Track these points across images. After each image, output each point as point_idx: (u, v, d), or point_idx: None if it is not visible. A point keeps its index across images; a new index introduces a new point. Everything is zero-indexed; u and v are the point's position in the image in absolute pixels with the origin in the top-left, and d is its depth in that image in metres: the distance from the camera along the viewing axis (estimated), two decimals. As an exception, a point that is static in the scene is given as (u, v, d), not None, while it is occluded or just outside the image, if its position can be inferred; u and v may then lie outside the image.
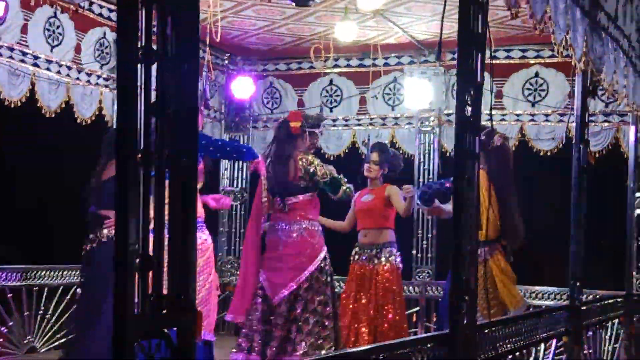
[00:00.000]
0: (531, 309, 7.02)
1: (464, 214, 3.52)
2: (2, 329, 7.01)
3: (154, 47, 2.07)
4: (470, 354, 3.49)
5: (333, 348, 5.90)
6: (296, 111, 6.77)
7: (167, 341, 2.03)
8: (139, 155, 1.98)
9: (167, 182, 2.10)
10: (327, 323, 5.99)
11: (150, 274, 2.01)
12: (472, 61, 3.60)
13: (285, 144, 6.18)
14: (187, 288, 2.07)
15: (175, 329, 2.06)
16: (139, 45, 2.01)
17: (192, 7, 2.16)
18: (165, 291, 2.07)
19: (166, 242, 2.08)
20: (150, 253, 2.02)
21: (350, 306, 7.10)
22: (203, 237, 5.41)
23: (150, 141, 2.02)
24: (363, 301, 7.07)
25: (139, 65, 2.00)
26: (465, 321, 3.48)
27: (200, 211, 5.42)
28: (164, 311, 2.02)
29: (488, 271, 5.71)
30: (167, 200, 2.06)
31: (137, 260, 1.96)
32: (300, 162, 6.08)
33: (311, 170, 6.06)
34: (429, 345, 3.31)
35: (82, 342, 6.26)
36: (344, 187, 6.13)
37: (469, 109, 3.61)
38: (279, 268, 6.06)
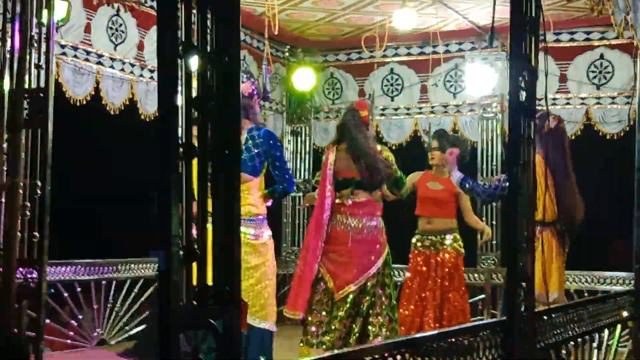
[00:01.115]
0: (599, 294, 6.89)
1: (519, 199, 3.48)
2: (72, 322, 7.17)
3: (195, 41, 2.09)
4: (528, 340, 3.46)
5: None
6: (361, 100, 6.72)
7: (214, 331, 2.05)
8: (181, 149, 2.00)
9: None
10: (393, 315, 6.02)
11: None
12: (526, 45, 3.56)
13: (365, 133, 6.09)
14: (232, 279, 2.10)
15: (220, 320, 2.09)
16: (179, 39, 2.03)
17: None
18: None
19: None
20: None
21: (415, 294, 7.08)
22: (268, 232, 5.49)
23: (192, 135, 2.05)
24: (428, 288, 7.04)
25: (179, 60, 2.02)
26: (522, 308, 3.46)
27: (263, 208, 5.51)
28: (209, 302, 2.05)
29: (537, 247, 5.61)
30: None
31: (181, 252, 1.99)
32: (382, 155, 6.06)
33: (391, 163, 6.06)
34: (485, 333, 3.30)
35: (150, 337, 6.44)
36: (406, 187, 6.20)
37: (524, 93, 3.57)
38: (344, 263, 6.01)
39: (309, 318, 6.01)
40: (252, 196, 5.33)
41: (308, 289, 6.04)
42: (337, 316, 5.92)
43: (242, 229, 5.19)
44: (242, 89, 5.39)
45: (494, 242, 8.50)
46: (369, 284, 5.95)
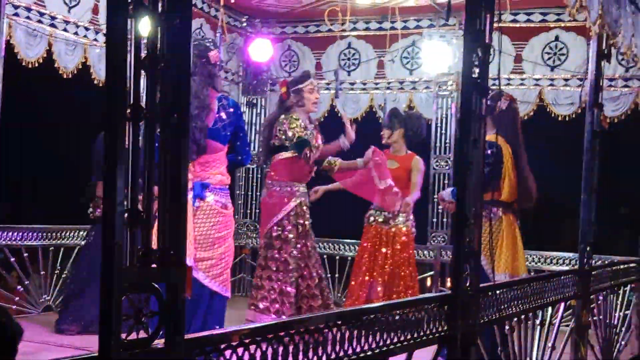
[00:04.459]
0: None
1: (468, 176, 3.51)
2: (19, 288, 7.10)
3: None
4: (473, 315, 3.50)
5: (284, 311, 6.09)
6: (283, 79, 6.90)
7: (157, 294, 2.04)
8: (128, 111, 1.98)
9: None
10: (276, 280, 6.13)
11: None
12: (480, 21, 3.57)
13: (277, 109, 6.54)
14: (177, 243, 2.08)
15: (164, 283, 2.08)
16: (130, -1, 2.00)
17: (184, -40, 2.14)
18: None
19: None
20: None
21: (365, 268, 7.13)
22: (223, 200, 5.50)
23: (140, 97, 2.02)
24: (378, 262, 7.09)
25: (129, 20, 1.99)
26: (467, 283, 3.49)
27: (225, 176, 5.54)
28: (153, 265, 2.04)
29: (500, 228, 5.67)
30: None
31: (126, 215, 1.97)
32: (278, 123, 6.30)
33: (284, 128, 6.25)
34: (430, 305, 3.33)
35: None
36: (305, 149, 6.25)
37: (477, 70, 3.59)
38: None
39: None
40: (223, 165, 5.43)
41: None
42: None
43: (215, 197, 5.34)
44: (212, 57, 5.45)
45: (445, 219, 8.57)
46: (262, 247, 6.32)
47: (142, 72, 2.04)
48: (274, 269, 6.14)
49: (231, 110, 5.47)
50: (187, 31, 2.13)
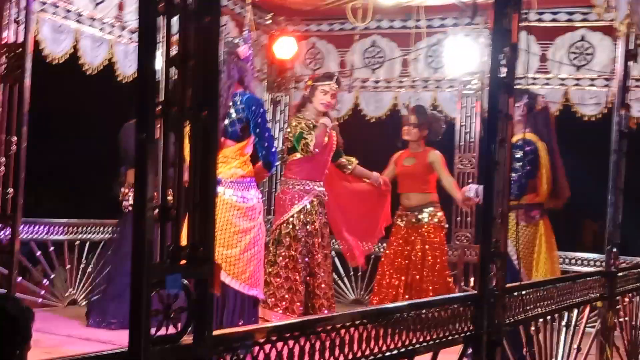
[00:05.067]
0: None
1: (495, 176, 3.50)
2: (45, 281, 7.16)
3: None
4: (498, 315, 3.49)
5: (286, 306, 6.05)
6: (314, 73, 6.91)
7: (186, 291, 2.05)
8: (159, 108, 1.99)
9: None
10: (285, 278, 6.11)
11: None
12: (507, 21, 3.55)
13: (298, 105, 6.59)
14: (206, 240, 2.09)
15: (193, 280, 2.09)
16: (161, -3, 2.01)
17: (215, -41, 2.15)
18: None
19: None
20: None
21: (392, 268, 7.12)
22: (258, 195, 5.54)
23: (171, 94, 2.03)
24: (406, 262, 7.09)
25: (160, 18, 2.00)
26: (494, 283, 3.48)
27: (250, 171, 5.55)
28: (182, 262, 2.05)
29: (539, 232, 5.66)
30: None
31: (156, 211, 1.98)
32: (287, 126, 6.45)
33: (289, 130, 6.36)
34: (456, 305, 3.32)
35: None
36: (302, 142, 6.25)
37: (504, 69, 3.57)
38: None
39: None
40: (237, 160, 5.39)
41: None
42: None
43: (229, 191, 5.32)
44: (240, 53, 5.46)
45: (468, 219, 8.53)
46: (270, 242, 6.28)
47: (173, 69, 2.05)
48: (283, 265, 6.11)
49: (242, 107, 5.42)
50: (216, 28, 2.14)
